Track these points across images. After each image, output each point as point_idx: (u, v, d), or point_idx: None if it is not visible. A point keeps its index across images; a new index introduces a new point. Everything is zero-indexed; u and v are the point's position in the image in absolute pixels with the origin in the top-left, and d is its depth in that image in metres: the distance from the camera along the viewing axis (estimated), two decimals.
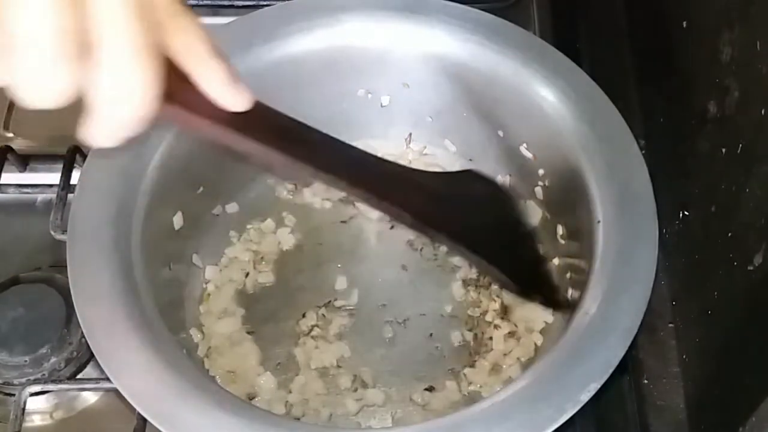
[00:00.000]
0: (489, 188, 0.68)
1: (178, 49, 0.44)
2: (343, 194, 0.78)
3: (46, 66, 0.38)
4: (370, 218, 0.78)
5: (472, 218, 0.64)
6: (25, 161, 0.77)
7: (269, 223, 0.77)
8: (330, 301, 0.73)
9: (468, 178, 0.68)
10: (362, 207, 0.78)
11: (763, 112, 0.49)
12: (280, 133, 0.52)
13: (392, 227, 0.76)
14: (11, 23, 0.37)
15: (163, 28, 0.42)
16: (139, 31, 0.40)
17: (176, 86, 0.44)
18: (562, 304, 0.68)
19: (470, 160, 0.78)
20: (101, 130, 0.42)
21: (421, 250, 0.76)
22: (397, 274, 0.75)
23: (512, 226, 0.68)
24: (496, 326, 0.71)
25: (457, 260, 0.75)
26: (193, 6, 0.86)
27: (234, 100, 0.48)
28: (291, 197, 0.79)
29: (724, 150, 0.55)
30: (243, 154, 0.53)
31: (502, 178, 0.77)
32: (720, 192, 0.55)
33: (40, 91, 0.39)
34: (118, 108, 0.41)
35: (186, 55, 0.45)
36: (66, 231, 0.63)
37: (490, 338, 0.71)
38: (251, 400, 0.68)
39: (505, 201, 0.69)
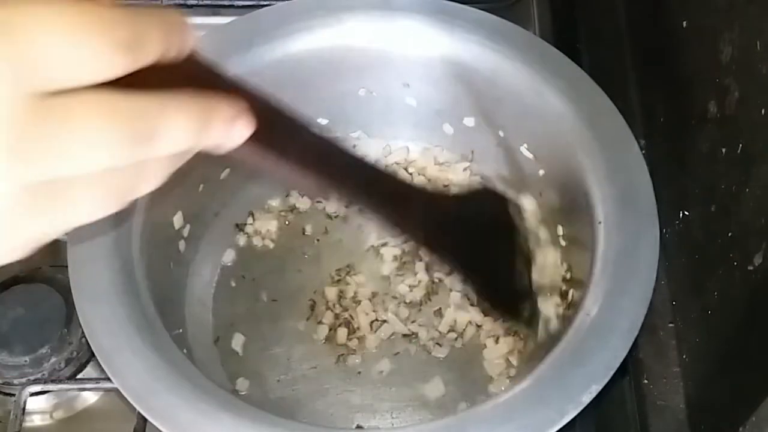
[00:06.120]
0: (497, 206, 0.67)
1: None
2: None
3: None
4: (366, 217, 0.78)
5: (477, 241, 0.64)
6: None
7: (268, 221, 0.77)
8: (328, 302, 0.73)
9: (481, 195, 0.67)
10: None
11: (763, 112, 0.49)
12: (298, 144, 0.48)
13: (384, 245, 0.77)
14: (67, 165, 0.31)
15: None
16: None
17: None
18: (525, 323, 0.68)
19: (470, 160, 0.78)
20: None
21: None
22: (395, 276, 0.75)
23: (510, 248, 0.67)
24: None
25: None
26: (193, 6, 0.86)
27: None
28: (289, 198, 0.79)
29: (724, 150, 0.55)
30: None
31: (500, 178, 0.77)
32: (720, 192, 0.55)
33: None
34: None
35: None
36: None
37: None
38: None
39: (509, 220, 0.67)
